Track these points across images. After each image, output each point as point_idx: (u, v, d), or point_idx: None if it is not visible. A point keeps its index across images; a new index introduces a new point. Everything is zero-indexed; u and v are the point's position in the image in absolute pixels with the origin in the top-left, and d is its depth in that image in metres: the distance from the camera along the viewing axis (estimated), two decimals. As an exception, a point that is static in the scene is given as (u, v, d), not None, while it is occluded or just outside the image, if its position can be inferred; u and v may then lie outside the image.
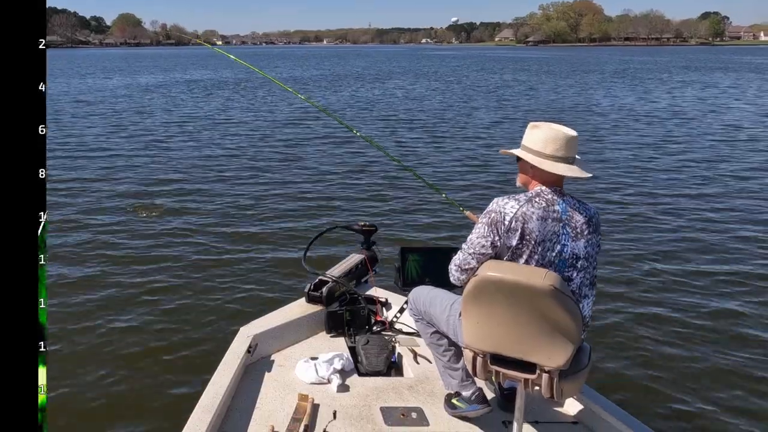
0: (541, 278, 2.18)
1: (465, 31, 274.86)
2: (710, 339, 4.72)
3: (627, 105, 21.55)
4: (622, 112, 19.38)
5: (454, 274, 2.49)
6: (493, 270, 2.29)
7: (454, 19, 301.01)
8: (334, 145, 13.21)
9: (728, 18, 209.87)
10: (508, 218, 2.32)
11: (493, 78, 37.88)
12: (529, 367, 2.30)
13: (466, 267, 2.42)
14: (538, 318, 2.21)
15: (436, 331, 2.80)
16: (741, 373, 4.25)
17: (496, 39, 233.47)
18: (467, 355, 2.45)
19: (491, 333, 2.32)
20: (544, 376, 2.27)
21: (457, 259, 2.47)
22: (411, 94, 26.46)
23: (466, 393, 2.75)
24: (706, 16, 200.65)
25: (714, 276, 5.96)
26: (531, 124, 2.49)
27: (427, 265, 3.36)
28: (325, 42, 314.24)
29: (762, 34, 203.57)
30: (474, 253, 2.40)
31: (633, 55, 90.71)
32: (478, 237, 2.39)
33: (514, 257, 2.34)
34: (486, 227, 2.37)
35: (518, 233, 2.31)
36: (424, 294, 2.84)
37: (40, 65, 1.61)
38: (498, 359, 2.35)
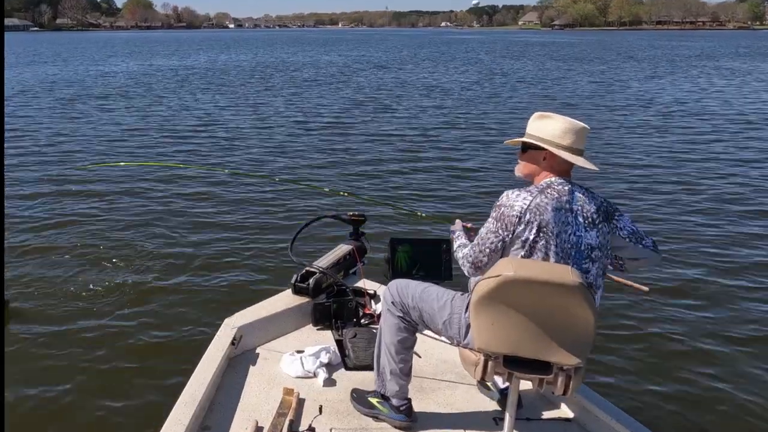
0: (569, 275, 2.13)
1: (487, 14, 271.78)
2: (704, 335, 4.59)
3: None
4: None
5: (468, 270, 2.47)
6: (514, 269, 2.17)
7: (475, 1, 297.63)
8: (321, 135, 13.02)
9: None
10: (520, 211, 2.28)
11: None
12: (544, 366, 2.26)
13: (480, 265, 2.40)
14: (562, 316, 2.16)
15: (407, 336, 2.66)
16: (736, 370, 4.15)
17: (520, 22, 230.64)
18: (473, 358, 2.36)
19: (508, 334, 2.24)
20: (561, 374, 2.26)
21: (470, 256, 2.43)
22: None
23: (396, 402, 2.65)
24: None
25: (713, 273, 5.75)
26: (538, 114, 2.44)
27: (417, 257, 3.30)
28: (340, 25, 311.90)
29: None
30: (485, 250, 2.38)
31: (672, 39, 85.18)
32: (487, 233, 2.37)
33: (532, 251, 2.28)
34: (495, 222, 2.34)
35: (535, 225, 2.26)
36: (413, 286, 2.68)
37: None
38: (512, 361, 2.29)
